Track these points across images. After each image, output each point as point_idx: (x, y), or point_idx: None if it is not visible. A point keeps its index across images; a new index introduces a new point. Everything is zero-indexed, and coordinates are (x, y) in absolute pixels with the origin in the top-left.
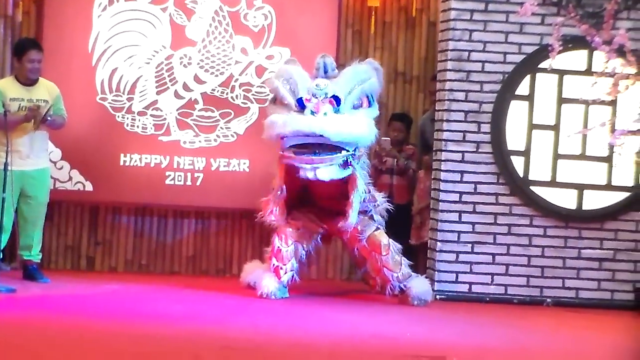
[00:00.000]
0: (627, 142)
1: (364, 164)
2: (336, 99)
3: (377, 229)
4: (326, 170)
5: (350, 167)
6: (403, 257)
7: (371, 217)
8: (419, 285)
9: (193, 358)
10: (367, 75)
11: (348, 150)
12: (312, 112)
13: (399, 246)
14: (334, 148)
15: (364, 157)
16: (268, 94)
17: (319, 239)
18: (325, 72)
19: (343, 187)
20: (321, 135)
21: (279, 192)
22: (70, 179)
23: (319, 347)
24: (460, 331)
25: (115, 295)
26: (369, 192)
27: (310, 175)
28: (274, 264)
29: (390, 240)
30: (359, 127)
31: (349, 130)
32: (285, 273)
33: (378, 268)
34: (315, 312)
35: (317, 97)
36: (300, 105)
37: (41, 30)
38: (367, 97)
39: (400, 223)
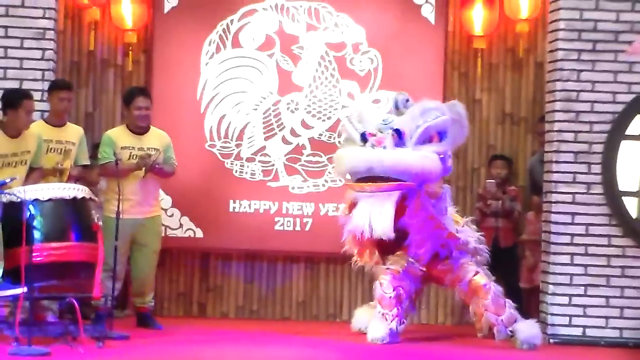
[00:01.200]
0: None
1: (441, 201)
2: (399, 133)
3: (477, 273)
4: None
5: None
6: (507, 300)
7: (471, 261)
8: (527, 329)
9: None
10: (437, 112)
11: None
12: (373, 146)
13: (500, 288)
14: (395, 180)
15: (445, 195)
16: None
17: (420, 283)
18: (397, 108)
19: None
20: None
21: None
22: (181, 226)
23: None
24: None
25: (227, 341)
26: (450, 232)
27: (366, 208)
28: (379, 311)
29: (492, 282)
30: (419, 160)
31: (408, 163)
32: (393, 319)
33: (481, 312)
34: (423, 356)
35: (382, 132)
36: (364, 139)
37: (150, 79)
38: (439, 133)
39: (508, 265)
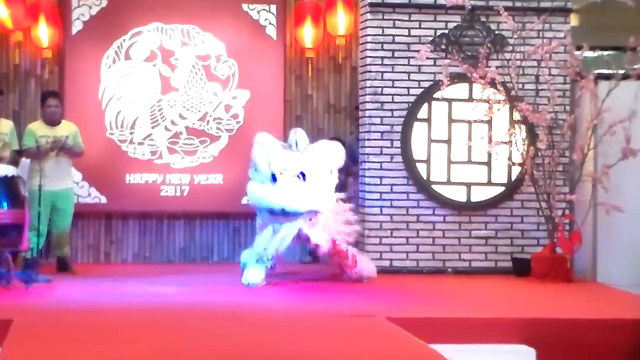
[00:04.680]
0: (500, 150)
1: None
2: (302, 175)
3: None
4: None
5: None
6: (357, 252)
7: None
8: (367, 268)
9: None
10: (331, 153)
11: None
12: (283, 186)
13: (354, 250)
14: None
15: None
16: (234, 125)
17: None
18: (297, 145)
19: None
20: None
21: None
22: (89, 194)
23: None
24: (387, 298)
25: (126, 280)
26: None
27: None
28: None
29: (350, 247)
30: (322, 196)
31: (312, 201)
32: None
33: (340, 264)
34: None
35: (287, 170)
36: (274, 179)
37: (63, 85)
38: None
39: None
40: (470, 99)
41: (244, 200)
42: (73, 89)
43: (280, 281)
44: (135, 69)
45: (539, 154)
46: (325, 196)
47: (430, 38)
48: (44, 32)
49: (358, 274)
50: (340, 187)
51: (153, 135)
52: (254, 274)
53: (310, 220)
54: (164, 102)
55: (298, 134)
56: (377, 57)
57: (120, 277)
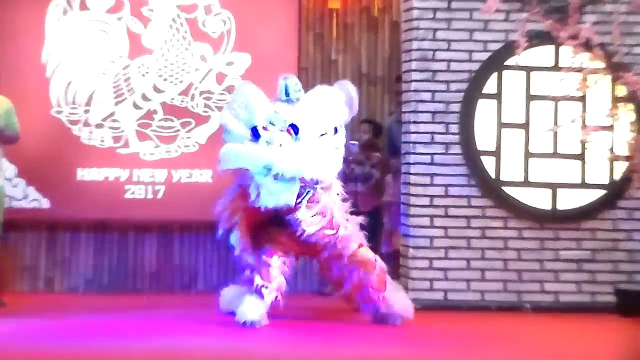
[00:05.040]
0: (598, 138)
1: (334, 191)
2: (294, 128)
3: (360, 245)
4: (286, 196)
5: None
6: (389, 277)
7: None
8: (399, 302)
9: None
10: (332, 100)
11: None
12: (267, 143)
13: (384, 265)
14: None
15: (336, 185)
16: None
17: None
18: (287, 94)
19: None
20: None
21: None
22: (26, 196)
23: None
24: (441, 346)
25: (76, 317)
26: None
27: (270, 203)
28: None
29: (378, 257)
30: (320, 159)
31: (309, 163)
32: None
33: (360, 286)
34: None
35: (274, 124)
36: (255, 135)
37: None
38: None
39: (367, 230)
40: (557, 67)
41: None
42: (5, 47)
43: (287, 320)
44: (94, 23)
45: None
46: (328, 161)
47: None
48: None
49: (386, 308)
50: (372, 187)
51: (116, 115)
52: (252, 309)
53: (309, 195)
54: (132, 69)
55: (289, 81)
56: (428, 8)
57: (66, 313)
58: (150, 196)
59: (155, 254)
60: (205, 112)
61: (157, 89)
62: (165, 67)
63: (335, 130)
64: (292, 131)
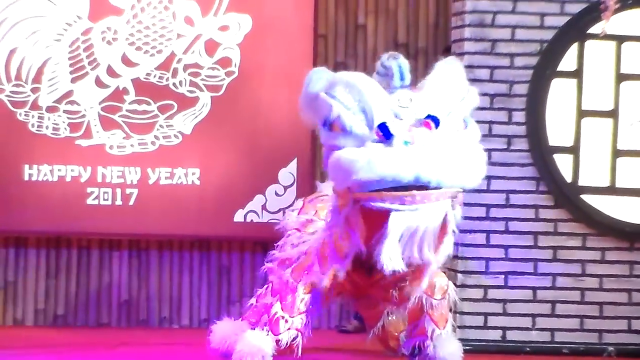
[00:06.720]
0: None
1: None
2: (434, 120)
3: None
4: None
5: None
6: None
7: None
8: (446, 345)
9: None
10: (465, 84)
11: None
12: (406, 143)
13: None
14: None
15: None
16: (223, 78)
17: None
18: (403, 78)
19: None
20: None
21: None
22: None
23: None
24: None
25: (21, 357)
26: None
27: (412, 222)
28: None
29: (451, 283)
30: (474, 161)
31: (463, 167)
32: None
33: (418, 315)
34: None
35: (401, 119)
36: (386, 134)
37: None
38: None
39: None
40: None
41: (238, 217)
42: None
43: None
44: None
45: None
46: (473, 163)
47: None
48: None
49: (433, 350)
50: None
51: (75, 95)
52: (255, 349)
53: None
54: (95, 34)
55: (402, 61)
56: None
57: (9, 353)
58: (119, 202)
59: (126, 278)
60: (192, 92)
61: (127, 62)
62: (138, 33)
63: (467, 122)
64: (432, 124)
